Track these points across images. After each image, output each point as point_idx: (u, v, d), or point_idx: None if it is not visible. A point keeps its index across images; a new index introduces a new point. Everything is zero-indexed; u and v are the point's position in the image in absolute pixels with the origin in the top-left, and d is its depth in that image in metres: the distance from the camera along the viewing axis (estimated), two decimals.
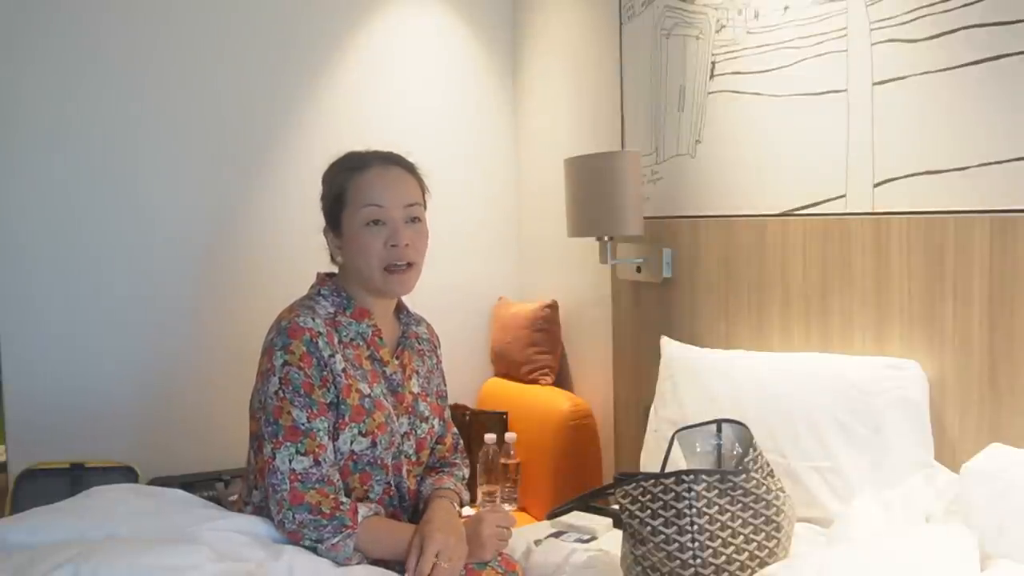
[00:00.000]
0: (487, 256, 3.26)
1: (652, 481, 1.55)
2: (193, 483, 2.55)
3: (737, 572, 1.50)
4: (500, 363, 3.13)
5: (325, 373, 1.56)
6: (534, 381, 2.97)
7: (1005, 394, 1.66)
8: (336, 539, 1.50)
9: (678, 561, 1.50)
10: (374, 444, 1.59)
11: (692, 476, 1.52)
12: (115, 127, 2.69)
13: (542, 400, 2.87)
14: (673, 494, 1.52)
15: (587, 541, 1.95)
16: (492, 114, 3.26)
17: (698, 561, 1.49)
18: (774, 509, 1.56)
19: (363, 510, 1.54)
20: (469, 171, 3.20)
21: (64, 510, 1.53)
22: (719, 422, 1.73)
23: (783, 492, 1.61)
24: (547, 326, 2.98)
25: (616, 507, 1.67)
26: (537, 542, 1.94)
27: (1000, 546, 1.42)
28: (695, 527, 1.50)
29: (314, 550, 1.50)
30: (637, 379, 2.59)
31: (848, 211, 1.96)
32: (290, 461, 1.52)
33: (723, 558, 1.50)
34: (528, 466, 2.81)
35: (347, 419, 1.57)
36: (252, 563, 1.42)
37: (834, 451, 1.81)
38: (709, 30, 2.31)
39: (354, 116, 2.99)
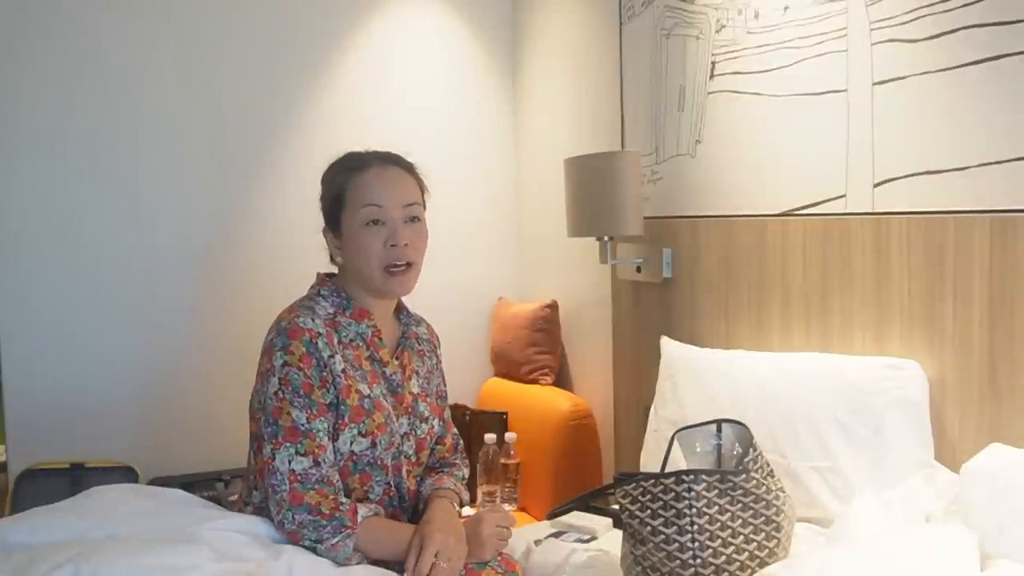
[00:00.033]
0: (487, 256, 3.26)
1: (652, 481, 1.55)
2: (193, 483, 2.55)
3: (737, 572, 1.50)
4: (500, 363, 3.13)
5: (325, 374, 1.56)
6: (534, 381, 2.97)
7: (1005, 394, 1.66)
8: (336, 539, 1.50)
9: (678, 561, 1.50)
10: (374, 445, 1.59)
11: (692, 476, 1.52)
12: (115, 127, 2.69)
13: (542, 400, 2.87)
14: (673, 494, 1.52)
15: (587, 541, 1.95)
16: (492, 114, 3.26)
17: (698, 561, 1.49)
18: (774, 509, 1.56)
19: (363, 510, 1.54)
20: (469, 171, 3.20)
21: (64, 510, 1.53)
22: (719, 422, 1.73)
23: (783, 492, 1.61)
24: (547, 326, 2.98)
25: (616, 507, 1.67)
26: (537, 542, 1.94)
27: (1000, 546, 1.42)
28: (695, 527, 1.50)
29: (313, 550, 1.50)
30: (637, 379, 2.59)
31: (848, 211, 1.96)
32: (289, 462, 1.52)
33: (723, 558, 1.50)
34: (528, 466, 2.81)
35: (347, 420, 1.57)
36: (252, 563, 1.42)
37: (834, 451, 1.81)
38: (709, 30, 2.31)
39: (354, 116, 2.99)
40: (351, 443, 1.58)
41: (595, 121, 2.82)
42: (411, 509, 1.70)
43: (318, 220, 1.71)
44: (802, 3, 2.03)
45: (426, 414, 1.72)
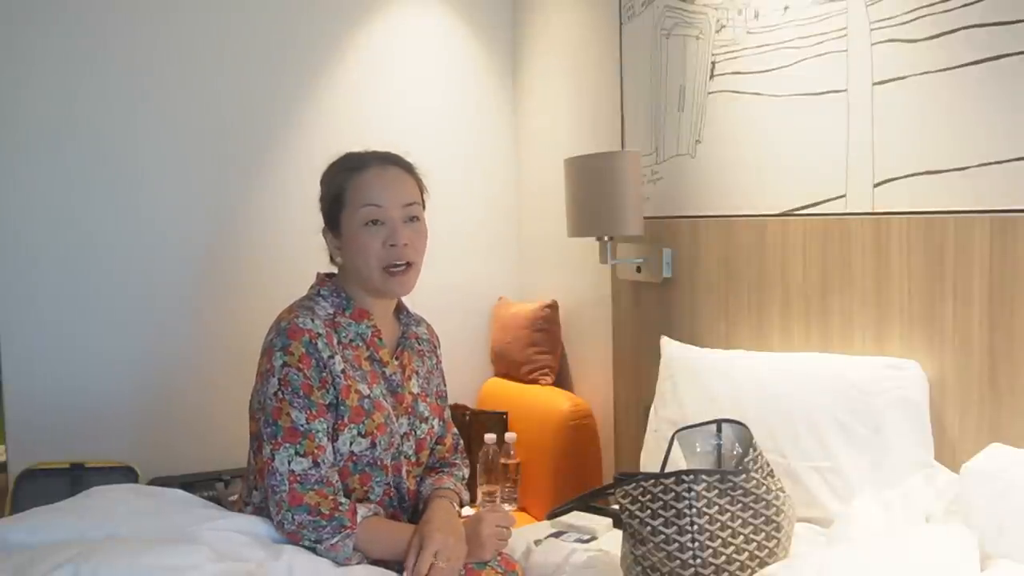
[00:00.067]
0: (487, 256, 3.26)
1: (652, 481, 1.55)
2: (193, 483, 2.55)
3: (737, 572, 1.50)
4: (500, 363, 3.13)
5: (324, 374, 1.56)
6: (534, 381, 2.97)
7: (1005, 394, 1.66)
8: (335, 539, 1.50)
9: (678, 561, 1.50)
10: (373, 445, 1.59)
11: (692, 476, 1.52)
12: (114, 127, 2.69)
13: (542, 400, 2.87)
14: (673, 494, 1.52)
15: (587, 541, 1.95)
16: (492, 114, 3.26)
17: (698, 561, 1.49)
18: (774, 509, 1.56)
19: (362, 511, 1.54)
20: (469, 171, 3.20)
21: (64, 510, 1.53)
22: (719, 422, 1.73)
23: (783, 492, 1.61)
24: (547, 326, 2.98)
25: (616, 507, 1.67)
26: (537, 542, 1.94)
27: (1000, 546, 1.42)
28: (695, 527, 1.50)
29: (313, 550, 1.50)
30: (637, 379, 2.59)
31: (848, 211, 1.96)
32: (289, 462, 1.52)
33: (723, 558, 1.50)
34: (528, 466, 2.81)
35: (346, 420, 1.57)
36: (252, 563, 1.42)
37: (834, 451, 1.81)
38: (709, 30, 2.31)
39: (354, 116, 2.99)
40: (351, 443, 1.58)
41: (595, 121, 2.82)
42: (411, 509, 1.70)
43: (318, 220, 1.71)
44: (802, 3, 2.03)
45: (426, 414, 1.72)
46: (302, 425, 1.53)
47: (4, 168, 2.59)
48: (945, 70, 1.74)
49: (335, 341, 1.60)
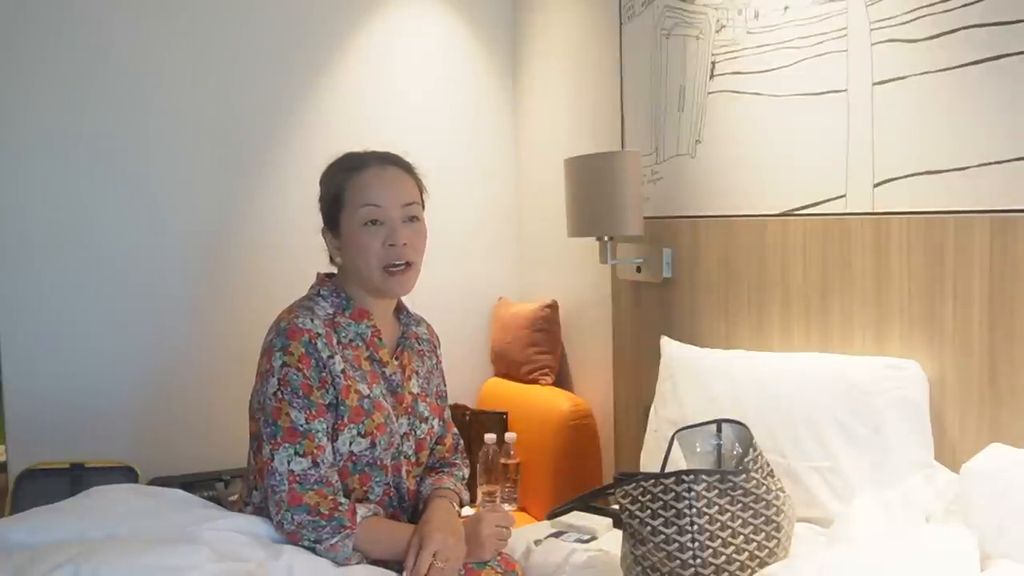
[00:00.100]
0: (487, 256, 3.26)
1: (652, 481, 1.55)
2: (193, 483, 2.55)
3: (737, 572, 1.50)
4: (500, 363, 3.13)
5: (324, 374, 1.56)
6: (534, 381, 2.97)
7: (1005, 394, 1.66)
8: (335, 539, 1.50)
9: (678, 561, 1.50)
10: (373, 445, 1.59)
11: (692, 476, 1.52)
12: (115, 127, 2.69)
13: (542, 400, 2.87)
14: (673, 494, 1.52)
15: (587, 541, 1.95)
16: (492, 114, 3.26)
17: (698, 561, 1.49)
18: (774, 509, 1.56)
19: (362, 510, 1.54)
20: (469, 171, 3.20)
21: (64, 510, 1.53)
22: (719, 422, 1.73)
23: (783, 492, 1.61)
24: (547, 326, 2.98)
25: (616, 507, 1.67)
26: (537, 542, 1.94)
27: (1000, 546, 1.42)
28: (695, 527, 1.50)
29: (313, 550, 1.50)
30: (637, 379, 2.59)
31: (848, 211, 1.96)
32: (288, 462, 1.52)
33: (723, 558, 1.50)
34: (528, 466, 2.81)
35: (346, 420, 1.57)
36: (252, 563, 1.42)
37: (834, 451, 1.81)
38: (709, 30, 2.31)
39: (355, 116, 2.99)
40: (350, 443, 1.58)
41: (595, 121, 2.82)
42: (411, 509, 1.70)
43: (318, 220, 1.71)
44: (802, 3, 2.03)
45: (426, 414, 1.72)
46: (301, 425, 1.53)
47: (7, 168, 2.59)
48: (945, 70, 1.74)
49: (335, 341, 1.60)
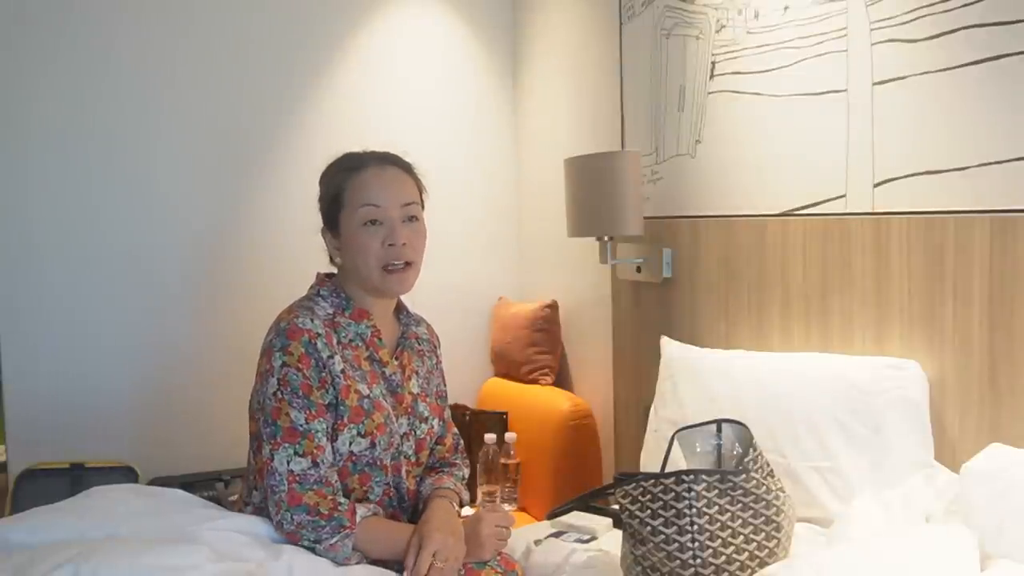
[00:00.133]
0: (487, 256, 3.26)
1: (652, 481, 1.55)
2: (193, 483, 2.55)
3: (737, 572, 1.50)
4: (500, 363, 3.13)
5: (324, 374, 1.56)
6: (534, 381, 2.97)
7: (1005, 394, 1.66)
8: (334, 539, 1.50)
9: (678, 561, 1.50)
10: (373, 445, 1.59)
11: (692, 476, 1.52)
12: (116, 128, 2.69)
13: (542, 400, 2.87)
14: (673, 494, 1.52)
15: (587, 541, 1.95)
16: (492, 114, 3.26)
17: (698, 561, 1.49)
18: (774, 509, 1.56)
19: (361, 510, 1.54)
20: (469, 171, 3.20)
21: (64, 510, 1.53)
22: (719, 422, 1.73)
23: (783, 492, 1.61)
24: (547, 326, 2.98)
25: (616, 507, 1.67)
26: (537, 542, 1.94)
27: (1000, 546, 1.42)
28: (695, 527, 1.50)
29: (312, 550, 1.50)
30: (637, 379, 2.59)
31: (848, 211, 1.96)
32: (288, 462, 1.52)
33: (723, 558, 1.50)
34: (528, 466, 2.81)
35: (346, 420, 1.57)
36: (252, 563, 1.42)
37: (834, 451, 1.81)
38: (709, 30, 2.31)
39: (355, 116, 2.99)
40: (350, 443, 1.58)
41: (595, 121, 2.82)
42: (411, 509, 1.70)
43: (318, 220, 1.71)
44: (802, 3, 2.03)
45: (426, 414, 1.72)
46: (301, 425, 1.53)
47: (6, 168, 2.59)
48: (945, 70, 1.74)
49: (335, 341, 1.60)
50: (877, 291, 1.89)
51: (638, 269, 2.56)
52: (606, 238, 2.43)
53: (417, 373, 1.74)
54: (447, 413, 1.85)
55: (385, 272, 1.63)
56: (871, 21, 1.87)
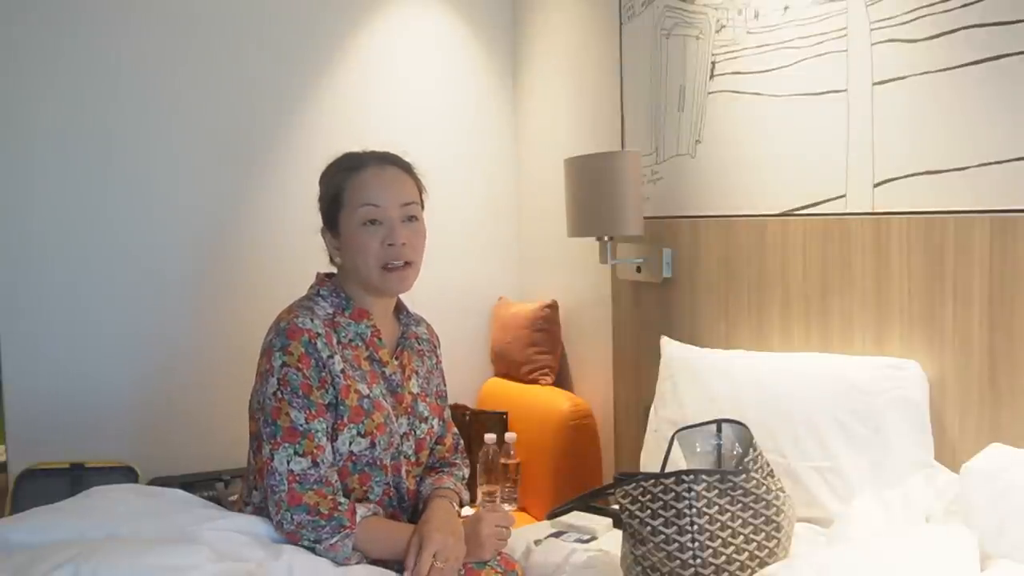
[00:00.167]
0: (487, 256, 3.26)
1: (652, 481, 1.55)
2: (193, 483, 2.55)
3: (737, 572, 1.50)
4: (500, 363, 3.13)
5: (324, 374, 1.56)
6: (534, 381, 2.97)
7: (1005, 394, 1.66)
8: (334, 539, 1.50)
9: (678, 561, 1.50)
10: (373, 445, 1.59)
11: (692, 476, 1.52)
12: (116, 128, 2.69)
13: (542, 400, 2.87)
14: (673, 494, 1.52)
15: (587, 541, 1.95)
16: (492, 114, 3.26)
17: (698, 561, 1.49)
18: (774, 509, 1.56)
19: (361, 510, 1.54)
20: (469, 171, 3.20)
21: (64, 510, 1.53)
22: (719, 422, 1.73)
23: (783, 492, 1.61)
24: (547, 326, 2.98)
25: (616, 507, 1.67)
26: (537, 542, 1.94)
27: (1000, 546, 1.42)
28: (695, 527, 1.50)
29: (312, 550, 1.50)
30: (637, 379, 2.59)
31: (848, 211, 1.96)
32: (288, 462, 1.52)
33: (723, 558, 1.50)
34: (528, 466, 2.81)
35: (346, 420, 1.57)
36: (252, 563, 1.42)
37: (834, 451, 1.81)
38: (709, 30, 2.31)
39: (355, 116, 2.99)
40: (350, 443, 1.58)
41: (595, 121, 2.82)
42: (411, 509, 1.70)
43: (318, 220, 1.71)
44: (802, 3, 2.03)
45: (425, 414, 1.72)
46: (301, 425, 1.53)
47: (6, 168, 2.59)
48: (945, 70, 1.74)
49: (334, 341, 1.60)
50: (877, 291, 1.89)
51: (638, 269, 2.56)
52: (606, 238, 2.43)
53: (417, 373, 1.74)
54: (447, 413, 1.85)
55: (384, 271, 1.63)
56: (871, 21, 1.87)
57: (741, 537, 1.52)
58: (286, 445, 1.52)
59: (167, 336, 2.76)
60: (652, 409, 2.24)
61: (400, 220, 1.64)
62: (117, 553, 1.34)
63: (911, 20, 1.79)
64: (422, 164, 1.74)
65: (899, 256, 1.85)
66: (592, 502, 1.90)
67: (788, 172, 2.11)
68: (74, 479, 2.48)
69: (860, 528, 1.60)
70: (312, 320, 1.58)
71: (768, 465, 1.64)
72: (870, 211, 1.91)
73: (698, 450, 1.73)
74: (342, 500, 1.53)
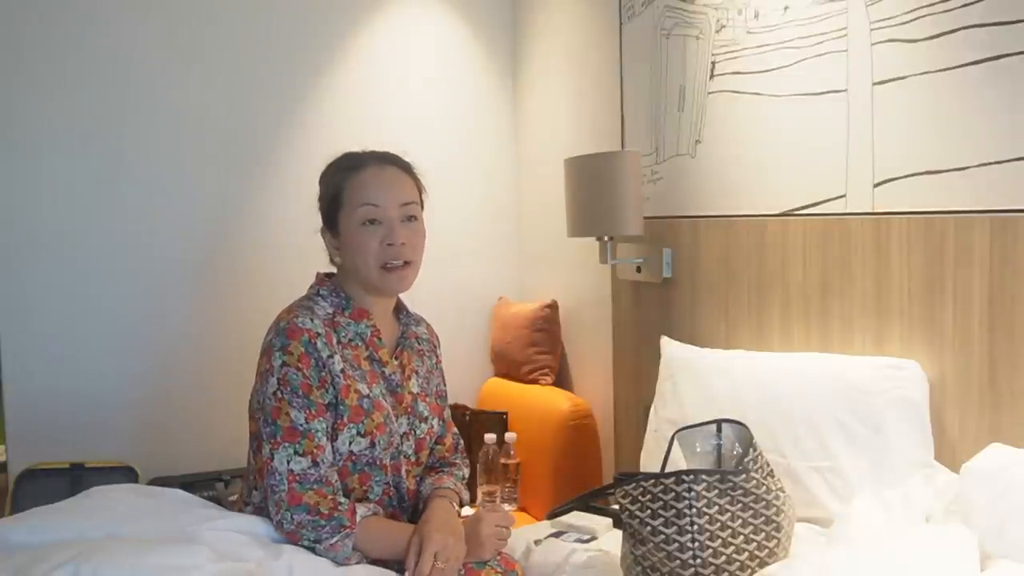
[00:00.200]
0: (487, 256, 3.26)
1: (652, 481, 1.55)
2: (193, 483, 2.54)
3: (737, 572, 1.50)
4: (500, 363, 3.13)
5: (323, 374, 1.56)
6: (534, 381, 2.97)
7: (1005, 394, 1.66)
8: (334, 539, 1.50)
9: (678, 561, 1.50)
10: (373, 444, 1.59)
11: (692, 476, 1.52)
12: (115, 128, 2.69)
13: (542, 400, 2.87)
14: (673, 494, 1.52)
15: (587, 541, 1.95)
16: (492, 114, 3.26)
17: (698, 561, 1.49)
18: (774, 509, 1.56)
19: (361, 510, 1.54)
20: (469, 171, 3.20)
21: (64, 510, 1.53)
22: (719, 422, 1.73)
23: (783, 492, 1.61)
24: (547, 326, 2.98)
25: (616, 507, 1.67)
26: (537, 542, 1.94)
27: (1000, 546, 1.42)
28: (695, 527, 1.50)
29: (312, 550, 1.50)
30: (637, 379, 2.59)
31: (848, 211, 1.96)
32: (288, 462, 1.52)
33: (723, 558, 1.50)
34: (528, 466, 2.81)
35: (346, 420, 1.57)
36: (252, 563, 1.42)
37: (834, 451, 1.81)
38: (709, 30, 2.31)
39: (355, 116, 2.99)
40: (350, 443, 1.58)
41: (595, 121, 2.82)
42: (411, 509, 1.70)
43: (318, 220, 1.71)
44: (802, 3, 2.03)
45: (425, 414, 1.72)
46: (301, 425, 1.53)
47: (6, 169, 2.59)
48: (945, 70, 1.74)
49: (334, 341, 1.60)
50: (877, 291, 1.89)
51: (638, 269, 2.56)
52: (606, 238, 2.43)
53: (417, 373, 1.74)
54: (447, 413, 1.85)
55: (384, 271, 1.63)
56: (871, 21, 1.87)
57: (741, 537, 1.52)
58: (286, 445, 1.52)
59: (167, 336, 2.76)
60: (652, 409, 2.24)
61: (399, 220, 1.64)
62: (118, 553, 1.34)
63: (911, 20, 1.79)
64: (422, 164, 1.74)
65: (899, 256, 1.85)
66: (592, 502, 1.90)
67: (788, 172, 2.11)
68: (74, 479, 2.48)
69: (860, 528, 1.60)
70: (312, 320, 1.58)
71: (768, 465, 1.64)
72: (870, 211, 1.91)
73: (698, 450, 1.73)
74: (342, 500, 1.53)
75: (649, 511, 1.54)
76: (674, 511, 1.51)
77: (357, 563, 1.52)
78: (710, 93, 2.32)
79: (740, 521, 1.52)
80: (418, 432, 1.70)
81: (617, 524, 1.77)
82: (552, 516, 1.89)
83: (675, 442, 1.70)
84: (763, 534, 1.54)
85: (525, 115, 3.25)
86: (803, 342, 2.07)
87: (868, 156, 1.91)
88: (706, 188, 2.35)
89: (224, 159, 2.83)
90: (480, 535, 1.60)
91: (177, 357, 2.77)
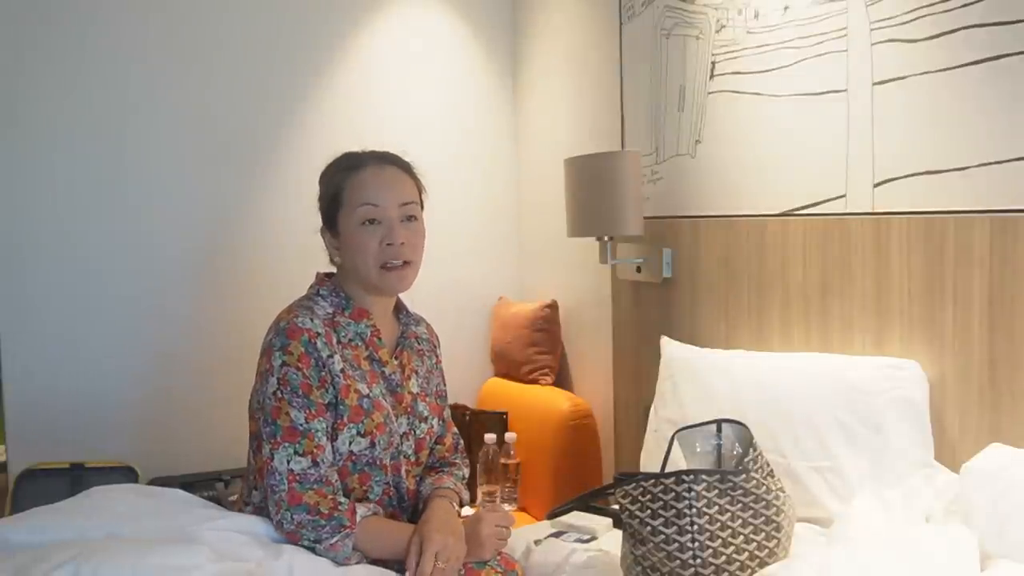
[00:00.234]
0: (487, 256, 3.26)
1: (652, 481, 1.55)
2: (193, 483, 2.54)
3: (737, 572, 1.50)
4: (500, 363, 3.13)
5: (323, 374, 1.56)
6: (534, 381, 2.97)
7: (1005, 394, 1.66)
8: (334, 539, 1.50)
9: (678, 561, 1.50)
10: (373, 444, 1.59)
11: (692, 476, 1.52)
12: (115, 127, 2.69)
13: (542, 400, 2.87)
14: (673, 494, 1.52)
15: (587, 541, 1.95)
16: (492, 114, 3.26)
17: (698, 561, 1.49)
18: (774, 509, 1.56)
19: (361, 510, 1.54)
20: (469, 171, 3.20)
21: (64, 510, 1.53)
22: (719, 422, 1.73)
23: (783, 492, 1.61)
24: (547, 326, 2.98)
25: (616, 507, 1.67)
26: (537, 542, 1.94)
27: (1000, 546, 1.42)
28: (695, 527, 1.50)
29: (312, 550, 1.50)
30: (637, 379, 2.59)
31: (848, 211, 1.96)
32: (288, 462, 1.52)
33: (723, 558, 1.50)
34: (528, 466, 2.81)
35: (345, 419, 1.57)
36: (252, 563, 1.42)
37: (834, 451, 1.81)
38: (709, 30, 2.31)
39: (355, 116, 2.99)
40: (350, 443, 1.58)
41: (595, 121, 2.82)
42: (411, 509, 1.70)
43: (318, 220, 1.71)
44: (802, 3, 2.03)
45: (425, 414, 1.72)
46: (301, 424, 1.53)
47: (4, 168, 2.58)
48: (945, 70, 1.74)
49: (334, 340, 1.60)
50: (877, 291, 1.89)
51: (638, 269, 2.56)
52: (606, 238, 2.43)
53: (417, 373, 1.74)
54: (447, 413, 1.85)
55: (383, 271, 1.63)
56: (871, 21, 1.87)
57: (741, 537, 1.52)
58: (286, 445, 1.52)
59: (167, 336, 2.76)
60: (652, 409, 2.24)
61: (399, 220, 1.64)
62: (118, 553, 1.34)
63: (911, 20, 1.79)
64: (422, 164, 1.74)
65: (899, 256, 1.85)
66: (592, 502, 1.90)
67: (788, 172, 2.11)
68: (74, 479, 2.48)
69: (860, 528, 1.60)
70: (312, 320, 1.58)
71: (768, 465, 1.64)
72: (870, 211, 1.91)
73: (698, 450, 1.73)
74: (342, 500, 1.53)
75: (649, 511, 1.54)
76: (674, 511, 1.51)
77: (357, 563, 1.52)
78: (710, 93, 2.32)
79: (740, 521, 1.52)
80: (418, 432, 1.70)
81: (617, 524, 1.77)
82: (552, 516, 1.89)
83: (675, 442, 1.70)
84: (763, 534, 1.54)
85: (525, 115, 3.25)
86: (803, 342, 2.07)
87: (868, 156, 1.91)
88: (706, 188, 2.35)
89: (224, 159, 2.83)
90: (480, 535, 1.60)
91: (177, 357, 2.77)
